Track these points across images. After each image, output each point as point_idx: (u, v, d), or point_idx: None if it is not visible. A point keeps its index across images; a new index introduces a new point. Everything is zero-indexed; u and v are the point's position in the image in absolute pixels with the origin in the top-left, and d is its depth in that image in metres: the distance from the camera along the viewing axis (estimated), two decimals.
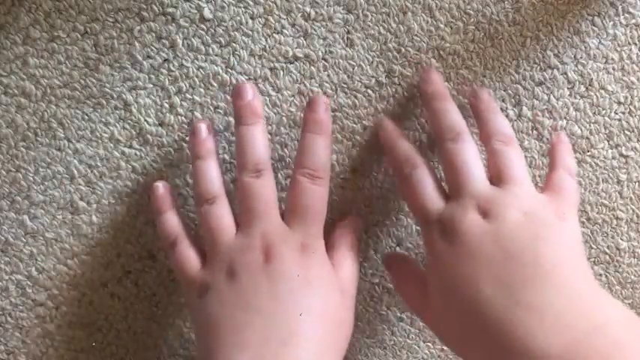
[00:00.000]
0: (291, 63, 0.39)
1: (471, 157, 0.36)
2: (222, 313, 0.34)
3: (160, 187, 0.39)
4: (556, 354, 0.29)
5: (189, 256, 0.37)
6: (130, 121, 0.39)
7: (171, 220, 0.38)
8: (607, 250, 0.44)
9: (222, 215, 0.37)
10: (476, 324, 0.32)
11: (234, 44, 0.38)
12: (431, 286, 0.35)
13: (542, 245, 0.32)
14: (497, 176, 0.36)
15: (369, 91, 0.40)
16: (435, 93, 0.38)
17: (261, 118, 0.37)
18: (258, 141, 0.37)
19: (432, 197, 0.36)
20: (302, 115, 0.39)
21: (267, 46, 0.39)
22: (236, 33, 0.38)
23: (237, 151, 0.37)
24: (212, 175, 0.37)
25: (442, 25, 0.39)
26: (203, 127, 0.38)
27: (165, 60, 0.38)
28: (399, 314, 0.44)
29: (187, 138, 0.39)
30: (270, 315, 0.33)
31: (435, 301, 0.35)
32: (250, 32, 0.38)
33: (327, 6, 0.38)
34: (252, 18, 0.38)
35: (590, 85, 0.40)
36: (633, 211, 0.43)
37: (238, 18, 0.38)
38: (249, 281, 0.34)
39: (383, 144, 0.39)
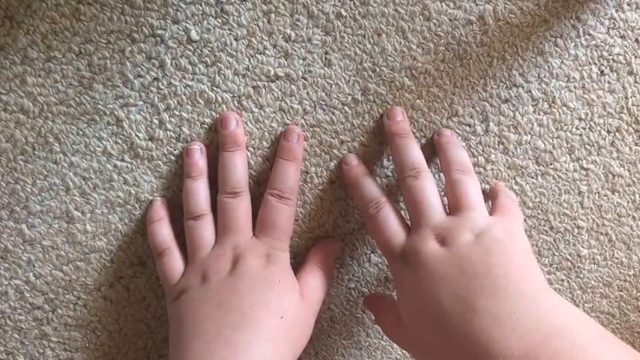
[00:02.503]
0: (272, 82, 0.40)
1: (429, 191, 0.38)
2: (191, 309, 0.36)
3: (158, 200, 0.41)
4: (518, 356, 0.30)
5: (175, 267, 0.40)
6: (121, 136, 0.40)
7: (162, 231, 0.40)
8: (569, 257, 0.44)
9: (205, 231, 0.39)
10: (443, 338, 0.33)
11: (219, 64, 0.39)
12: (401, 313, 0.37)
13: (493, 258, 0.34)
14: (454, 203, 0.37)
15: (346, 108, 0.41)
16: (398, 130, 0.40)
17: (242, 145, 0.40)
18: (238, 166, 0.40)
19: (395, 233, 0.38)
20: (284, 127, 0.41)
21: (250, 65, 0.40)
22: (221, 53, 0.39)
23: (219, 174, 0.40)
24: (200, 194, 0.40)
25: (414, 46, 0.40)
26: (197, 149, 0.40)
27: (155, 79, 0.39)
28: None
29: (175, 151, 0.41)
30: (227, 306, 0.36)
31: (407, 325, 0.36)
32: (234, 53, 0.39)
33: (307, 28, 0.39)
34: (236, 39, 0.39)
35: (553, 102, 0.41)
36: (593, 220, 0.44)
37: (223, 39, 0.39)
38: (216, 282, 0.37)
39: (346, 179, 0.41)
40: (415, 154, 0.39)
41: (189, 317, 0.36)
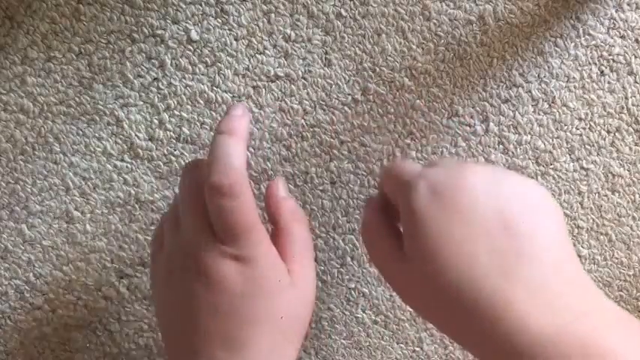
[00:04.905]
0: (272, 82, 0.40)
1: None
2: (199, 315, 0.34)
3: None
4: (550, 332, 0.28)
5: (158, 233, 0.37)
6: (121, 136, 0.40)
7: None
8: None
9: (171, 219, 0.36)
10: (462, 294, 0.29)
11: (219, 64, 0.40)
12: (409, 246, 0.32)
13: (539, 219, 0.30)
14: None
15: (346, 108, 0.41)
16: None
17: (243, 136, 0.36)
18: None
19: (410, 162, 0.34)
20: (283, 130, 0.41)
21: (250, 65, 0.40)
22: (221, 53, 0.39)
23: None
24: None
25: (414, 46, 0.40)
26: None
27: (155, 79, 0.40)
28: (373, 317, 0.45)
29: (175, 151, 0.41)
30: (211, 324, 0.33)
31: (412, 264, 0.31)
32: (234, 53, 0.39)
33: (307, 28, 0.39)
34: (236, 39, 0.39)
35: (553, 102, 0.41)
36: (593, 220, 0.44)
37: (223, 39, 0.39)
38: (223, 288, 0.34)
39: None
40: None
41: (167, 321, 0.35)
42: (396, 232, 0.34)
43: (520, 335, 0.28)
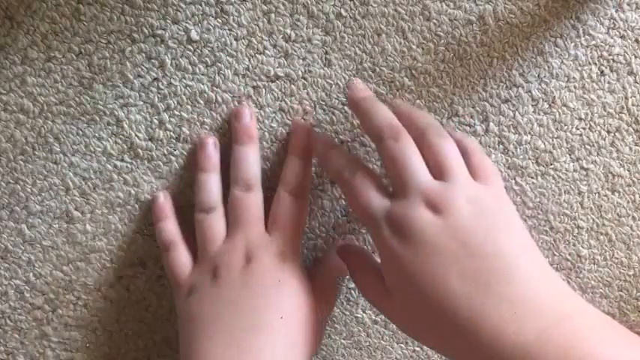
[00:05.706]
0: (272, 82, 0.40)
1: (413, 153, 0.34)
2: (201, 308, 0.36)
3: (161, 196, 0.41)
4: (529, 340, 0.29)
5: (181, 261, 0.39)
6: (121, 136, 0.40)
7: (168, 227, 0.40)
8: (569, 257, 0.44)
9: (215, 224, 0.39)
10: (443, 318, 0.31)
11: (219, 64, 0.40)
12: (388, 282, 0.34)
13: (500, 235, 0.32)
14: (436, 170, 0.34)
15: (346, 108, 0.41)
16: (365, 97, 0.38)
17: (255, 139, 0.40)
18: (251, 159, 0.39)
19: (376, 196, 0.35)
20: (283, 130, 0.41)
21: (250, 65, 0.40)
22: (221, 53, 0.39)
23: (232, 167, 0.39)
24: (212, 187, 0.39)
25: (414, 47, 0.40)
26: (210, 143, 0.40)
27: (155, 79, 0.40)
28: (373, 317, 0.45)
29: (175, 151, 0.41)
30: (240, 307, 0.35)
31: (394, 296, 0.34)
32: (234, 53, 0.40)
33: (307, 28, 0.39)
34: (236, 39, 0.39)
35: (552, 102, 0.41)
36: (593, 220, 0.44)
37: (223, 39, 0.39)
38: (227, 279, 0.36)
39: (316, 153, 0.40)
40: (389, 115, 0.36)
41: (200, 315, 0.36)
42: (379, 272, 0.35)
43: (501, 345, 0.30)
